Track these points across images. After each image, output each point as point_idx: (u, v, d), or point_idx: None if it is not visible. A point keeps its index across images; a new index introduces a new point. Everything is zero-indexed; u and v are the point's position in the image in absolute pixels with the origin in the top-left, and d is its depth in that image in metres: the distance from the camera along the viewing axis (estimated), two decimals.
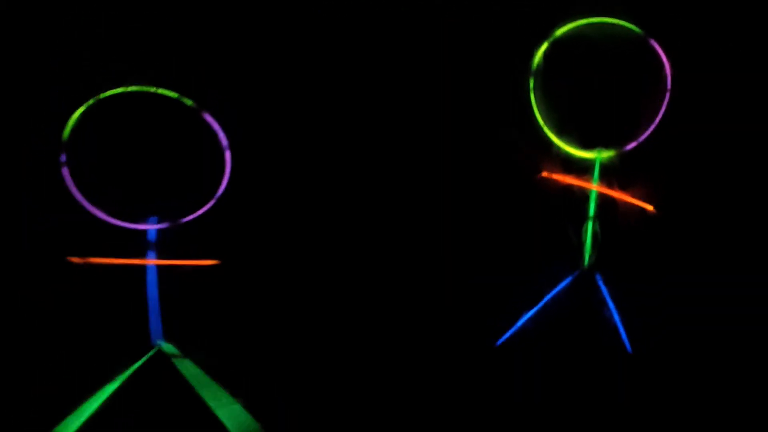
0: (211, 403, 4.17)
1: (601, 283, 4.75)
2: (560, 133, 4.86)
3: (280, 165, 4.86)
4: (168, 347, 4.41)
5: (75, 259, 4.30)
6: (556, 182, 4.83)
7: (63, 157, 4.32)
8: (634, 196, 4.82)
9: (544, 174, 4.82)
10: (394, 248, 4.97)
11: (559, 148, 4.84)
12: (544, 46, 4.85)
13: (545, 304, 4.76)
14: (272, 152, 4.84)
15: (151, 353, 4.37)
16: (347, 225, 4.90)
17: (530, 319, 4.75)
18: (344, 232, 4.89)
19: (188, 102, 4.48)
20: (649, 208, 4.81)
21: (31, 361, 4.34)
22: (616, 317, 4.72)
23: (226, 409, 4.16)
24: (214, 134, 4.51)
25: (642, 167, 4.84)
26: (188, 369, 4.33)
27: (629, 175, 4.85)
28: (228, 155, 4.52)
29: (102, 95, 4.40)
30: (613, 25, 4.82)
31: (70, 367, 4.30)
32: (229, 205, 4.53)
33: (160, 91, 4.47)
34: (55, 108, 4.41)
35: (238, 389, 4.28)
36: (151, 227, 4.42)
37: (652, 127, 4.84)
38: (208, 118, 4.49)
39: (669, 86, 4.82)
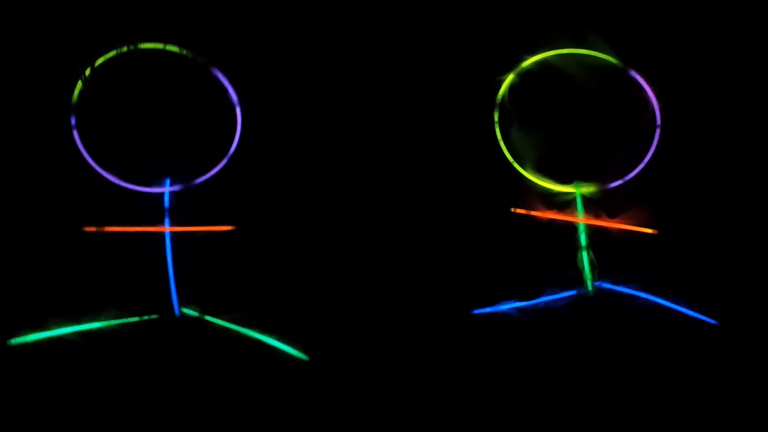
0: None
1: (615, 287, 4.49)
2: (532, 167, 4.65)
3: (294, 120, 4.67)
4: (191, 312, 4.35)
5: (90, 229, 4.22)
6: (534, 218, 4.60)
7: (73, 120, 4.30)
8: (626, 223, 4.57)
9: (519, 210, 4.57)
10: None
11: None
12: (510, 77, 4.69)
13: (540, 304, 4.46)
14: (285, 107, 4.66)
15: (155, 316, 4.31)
16: (365, 182, 4.67)
17: (519, 309, 4.47)
18: (361, 190, 4.66)
19: (197, 58, 4.47)
20: (649, 231, 4.56)
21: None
22: (666, 302, 4.46)
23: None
24: (224, 90, 4.46)
25: (630, 198, 4.62)
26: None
27: (617, 205, 4.62)
28: (239, 111, 4.45)
29: (109, 55, 4.39)
30: (587, 56, 4.72)
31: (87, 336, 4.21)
32: (243, 166, 4.47)
33: (168, 47, 4.44)
34: (63, 69, 4.37)
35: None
36: (164, 190, 4.34)
37: (641, 165, 4.66)
38: (217, 73, 4.47)
39: (659, 122, 4.69)
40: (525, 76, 4.68)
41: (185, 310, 4.31)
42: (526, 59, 4.68)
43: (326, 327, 4.37)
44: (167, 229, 4.30)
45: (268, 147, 4.55)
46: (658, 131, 4.65)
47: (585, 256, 4.45)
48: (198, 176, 4.38)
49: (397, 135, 4.66)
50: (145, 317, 4.26)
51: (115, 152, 4.33)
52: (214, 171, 4.39)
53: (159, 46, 4.44)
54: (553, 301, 4.42)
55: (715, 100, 4.75)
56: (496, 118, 4.62)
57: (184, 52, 4.44)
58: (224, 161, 4.41)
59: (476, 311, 4.44)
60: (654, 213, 4.52)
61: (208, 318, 4.29)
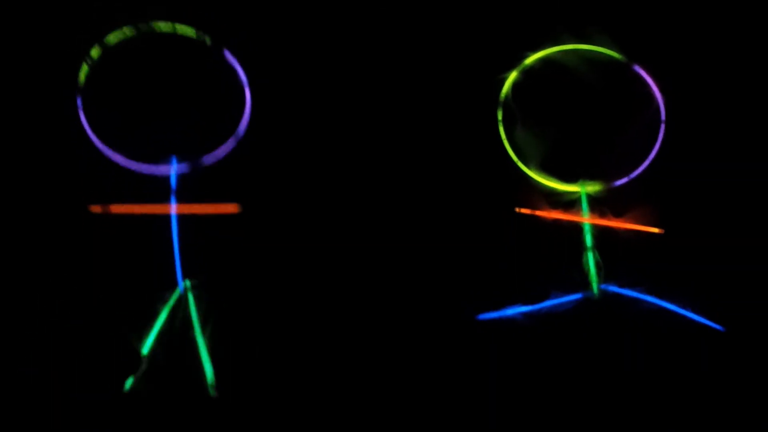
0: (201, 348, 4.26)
1: (621, 290, 4.42)
2: (537, 166, 4.59)
3: (303, 105, 4.65)
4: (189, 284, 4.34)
5: (96, 208, 4.20)
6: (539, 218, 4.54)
7: (79, 102, 4.29)
8: (632, 222, 4.52)
9: (524, 210, 4.52)
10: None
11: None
12: (513, 74, 4.64)
13: (546, 308, 4.39)
14: (295, 90, 4.64)
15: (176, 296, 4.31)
16: (367, 181, 4.62)
17: (524, 314, 4.41)
18: (364, 189, 4.61)
19: (207, 40, 4.45)
20: (655, 230, 4.50)
21: (55, 313, 4.21)
22: (674, 307, 4.40)
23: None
24: (234, 72, 4.46)
25: (637, 196, 4.57)
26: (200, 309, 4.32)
27: (623, 203, 4.57)
28: (248, 92, 4.44)
29: (116, 37, 4.37)
30: (591, 51, 4.67)
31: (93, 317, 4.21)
32: (251, 147, 4.44)
33: (178, 28, 4.42)
34: (71, 51, 4.37)
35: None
36: (171, 169, 4.32)
37: (647, 162, 4.60)
38: (228, 55, 4.45)
39: (663, 117, 4.63)
40: (528, 73, 4.63)
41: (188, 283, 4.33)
42: (529, 56, 4.63)
43: (325, 327, 4.31)
44: (172, 208, 4.26)
45: (276, 130, 4.52)
46: (662, 127, 4.60)
47: (591, 257, 4.40)
48: (205, 156, 4.35)
49: (400, 135, 4.61)
50: (175, 295, 4.25)
51: (121, 132, 4.30)
52: (221, 151, 4.36)
53: (168, 28, 4.40)
54: (558, 305, 4.37)
55: (722, 96, 4.70)
56: (499, 117, 4.58)
57: (194, 34, 4.40)
58: (231, 142, 4.38)
59: (481, 316, 4.39)
60: (660, 212, 4.48)
61: (190, 298, 4.26)
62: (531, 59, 4.62)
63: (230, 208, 4.31)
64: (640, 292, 4.40)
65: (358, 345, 4.30)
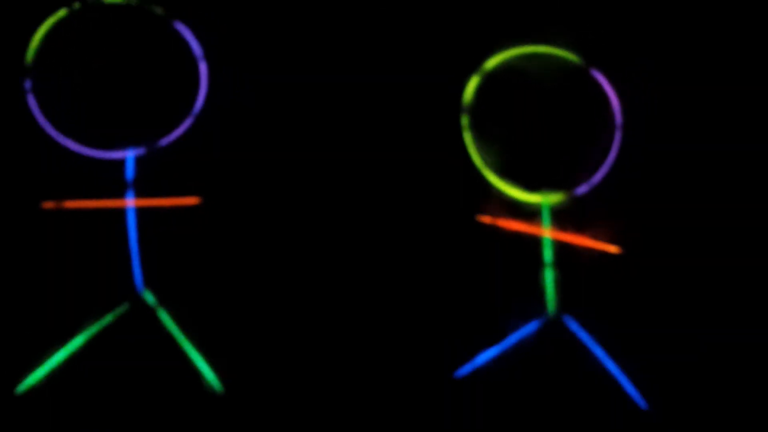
0: (191, 353, 4.12)
1: (575, 327, 4.31)
2: (500, 174, 4.50)
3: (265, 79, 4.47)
4: (150, 297, 4.16)
5: (49, 205, 4.05)
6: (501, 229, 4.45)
7: (28, 84, 4.11)
8: (592, 238, 4.44)
9: (486, 219, 4.44)
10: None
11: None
12: (475, 80, 4.53)
13: (510, 347, 4.29)
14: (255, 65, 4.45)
15: (126, 306, 4.13)
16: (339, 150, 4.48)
17: (493, 359, 4.28)
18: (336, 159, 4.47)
19: (157, 11, 4.26)
20: (612, 249, 4.43)
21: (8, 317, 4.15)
22: (612, 367, 4.27)
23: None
24: (187, 45, 4.26)
25: (598, 207, 4.51)
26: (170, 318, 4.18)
27: (584, 217, 4.49)
28: (203, 67, 4.24)
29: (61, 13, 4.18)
30: (548, 55, 4.57)
31: (49, 320, 4.09)
32: (209, 129, 4.26)
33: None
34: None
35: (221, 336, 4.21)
36: (126, 155, 4.14)
37: (605, 168, 4.52)
38: (180, 27, 4.26)
39: (619, 122, 4.54)
40: (487, 78, 4.52)
41: (146, 294, 4.17)
42: (487, 60, 4.52)
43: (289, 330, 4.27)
44: (130, 203, 4.12)
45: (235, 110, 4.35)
46: (619, 132, 4.50)
47: (549, 275, 4.30)
48: (161, 139, 4.19)
49: (362, 137, 4.51)
50: (119, 310, 4.10)
51: (71, 116, 4.13)
52: (178, 131, 4.20)
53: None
54: (521, 338, 4.24)
55: (682, 102, 4.62)
56: (464, 123, 4.47)
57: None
58: (189, 120, 4.21)
59: (458, 373, 4.22)
60: (620, 228, 4.40)
61: (161, 313, 4.14)
62: (490, 63, 4.51)
63: (190, 200, 4.21)
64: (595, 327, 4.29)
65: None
